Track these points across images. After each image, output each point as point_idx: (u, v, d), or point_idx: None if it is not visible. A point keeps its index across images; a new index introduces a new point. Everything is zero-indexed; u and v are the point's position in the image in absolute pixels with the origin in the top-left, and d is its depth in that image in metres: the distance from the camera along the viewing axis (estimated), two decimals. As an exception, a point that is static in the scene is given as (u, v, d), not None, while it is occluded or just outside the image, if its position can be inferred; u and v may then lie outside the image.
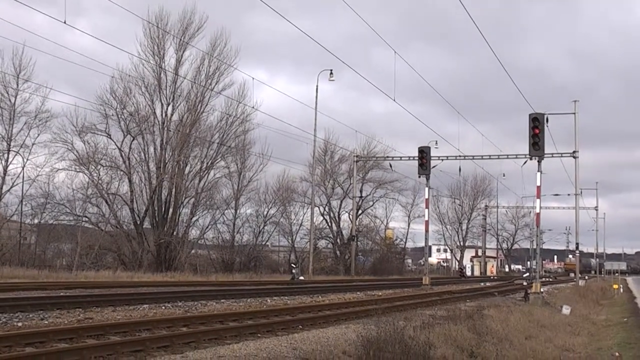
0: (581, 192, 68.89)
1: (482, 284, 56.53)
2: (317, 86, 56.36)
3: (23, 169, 49.35)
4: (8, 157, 48.71)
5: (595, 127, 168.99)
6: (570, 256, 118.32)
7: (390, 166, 67.99)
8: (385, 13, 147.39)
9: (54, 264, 49.12)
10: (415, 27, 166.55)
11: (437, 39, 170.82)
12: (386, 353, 12.97)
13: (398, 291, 39.03)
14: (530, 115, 36.33)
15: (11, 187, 49.26)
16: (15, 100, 48.67)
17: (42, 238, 53.64)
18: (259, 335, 16.50)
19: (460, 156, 60.14)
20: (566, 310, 29.89)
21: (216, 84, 56.19)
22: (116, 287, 30.67)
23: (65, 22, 30.57)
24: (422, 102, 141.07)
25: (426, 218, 48.37)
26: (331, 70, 55.04)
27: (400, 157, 65.17)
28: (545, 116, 37.34)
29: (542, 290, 37.83)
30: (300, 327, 18.64)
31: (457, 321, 19.93)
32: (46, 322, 16.99)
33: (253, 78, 79.07)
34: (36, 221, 53.47)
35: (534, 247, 61.50)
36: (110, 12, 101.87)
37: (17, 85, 48.48)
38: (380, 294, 35.62)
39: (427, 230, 48.42)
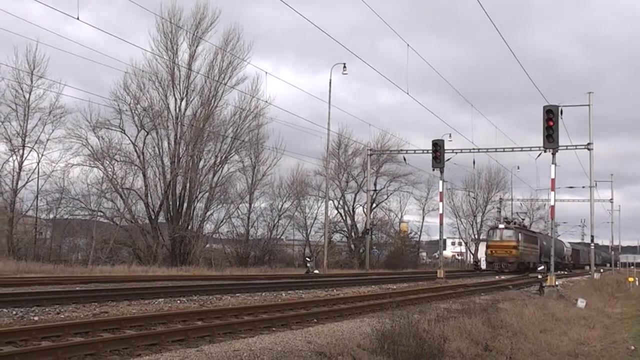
0: (596, 185, 68.52)
1: (496, 277, 56.39)
2: (330, 80, 56.23)
3: (38, 164, 49.80)
4: (23, 153, 49.13)
5: (608, 116, 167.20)
6: (501, 226, 72.35)
7: (404, 159, 67.92)
8: (392, 2, 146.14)
9: (70, 258, 49.37)
10: (422, 16, 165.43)
11: (445, 27, 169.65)
12: (401, 346, 13.01)
13: (412, 284, 39.00)
14: (544, 107, 36.20)
15: (26, 183, 49.73)
16: (29, 96, 49.05)
17: (57, 233, 53.94)
18: (273, 329, 16.55)
19: (474, 149, 60.07)
20: (581, 303, 29.81)
21: (229, 78, 56.44)
22: (131, 281, 30.80)
23: (78, 18, 30.70)
24: (431, 92, 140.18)
25: (440, 211, 48.37)
26: (344, 64, 54.88)
27: (415, 151, 65.12)
28: (560, 108, 37.19)
29: (557, 283, 37.75)
30: (315, 320, 18.67)
31: (472, 315, 19.91)
32: (62, 316, 17.09)
33: (267, 72, 79.29)
34: (51, 216, 53.86)
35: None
36: (111, 3, 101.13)
37: (32, 81, 48.84)
38: (394, 287, 35.59)
39: (441, 224, 48.43)
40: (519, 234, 70.28)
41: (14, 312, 17.11)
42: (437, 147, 46.51)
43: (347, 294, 29.07)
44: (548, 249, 78.70)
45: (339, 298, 26.12)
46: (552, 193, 38.50)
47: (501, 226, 71.97)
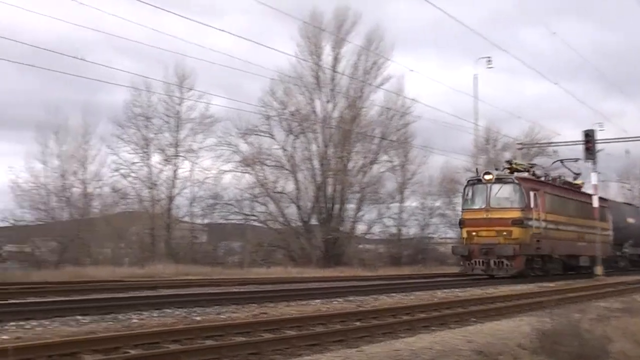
0: None
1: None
2: (475, 74, 55.36)
3: (191, 172, 51.81)
4: (177, 162, 51.24)
5: None
6: (487, 176, 35.79)
7: (555, 152, 65.96)
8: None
9: (226, 261, 50.76)
10: (563, 1, 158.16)
11: (588, 10, 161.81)
12: (562, 346, 12.64)
13: (571, 282, 37.90)
14: None
15: (181, 190, 51.88)
16: (180, 108, 51.17)
17: (212, 237, 55.69)
18: (432, 328, 16.36)
19: (627, 137, 57.68)
20: None
21: (374, 78, 56.50)
22: (287, 283, 31.26)
23: (221, 30, 31.52)
24: (577, 80, 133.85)
25: (595, 205, 46.69)
26: (489, 57, 53.82)
27: (565, 142, 63.16)
28: None
29: None
30: (474, 319, 18.36)
31: (635, 314, 19.13)
32: (223, 316, 17.49)
33: (411, 70, 78.92)
34: (206, 221, 55.67)
35: None
36: (247, 11, 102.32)
37: (181, 93, 50.79)
38: (552, 285, 34.70)
39: (596, 217, 46.72)
40: (531, 193, 36.04)
41: (177, 313, 17.70)
42: (589, 138, 44.92)
43: (504, 292, 28.53)
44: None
45: (496, 296, 25.69)
46: None
47: (487, 177, 35.80)
